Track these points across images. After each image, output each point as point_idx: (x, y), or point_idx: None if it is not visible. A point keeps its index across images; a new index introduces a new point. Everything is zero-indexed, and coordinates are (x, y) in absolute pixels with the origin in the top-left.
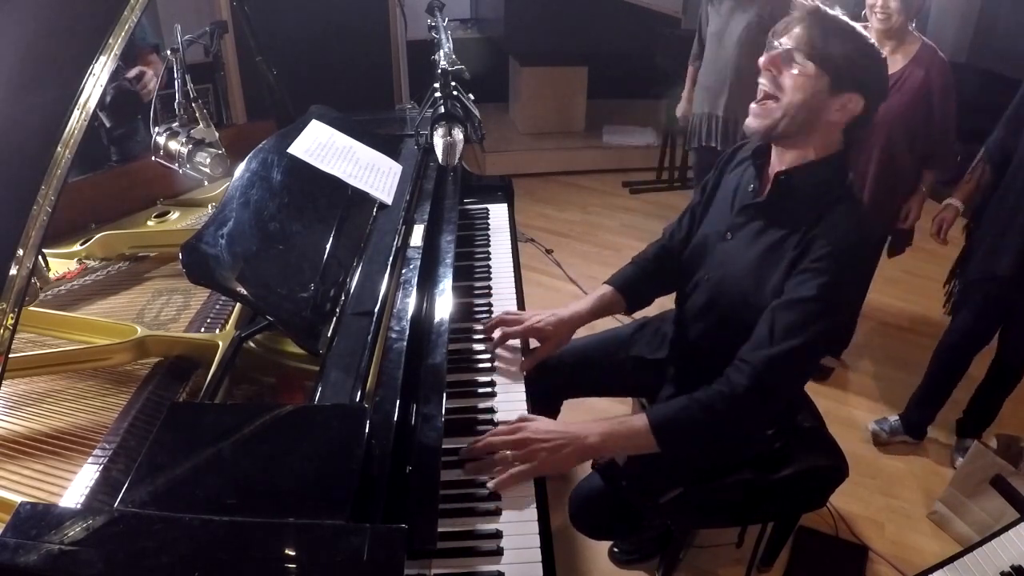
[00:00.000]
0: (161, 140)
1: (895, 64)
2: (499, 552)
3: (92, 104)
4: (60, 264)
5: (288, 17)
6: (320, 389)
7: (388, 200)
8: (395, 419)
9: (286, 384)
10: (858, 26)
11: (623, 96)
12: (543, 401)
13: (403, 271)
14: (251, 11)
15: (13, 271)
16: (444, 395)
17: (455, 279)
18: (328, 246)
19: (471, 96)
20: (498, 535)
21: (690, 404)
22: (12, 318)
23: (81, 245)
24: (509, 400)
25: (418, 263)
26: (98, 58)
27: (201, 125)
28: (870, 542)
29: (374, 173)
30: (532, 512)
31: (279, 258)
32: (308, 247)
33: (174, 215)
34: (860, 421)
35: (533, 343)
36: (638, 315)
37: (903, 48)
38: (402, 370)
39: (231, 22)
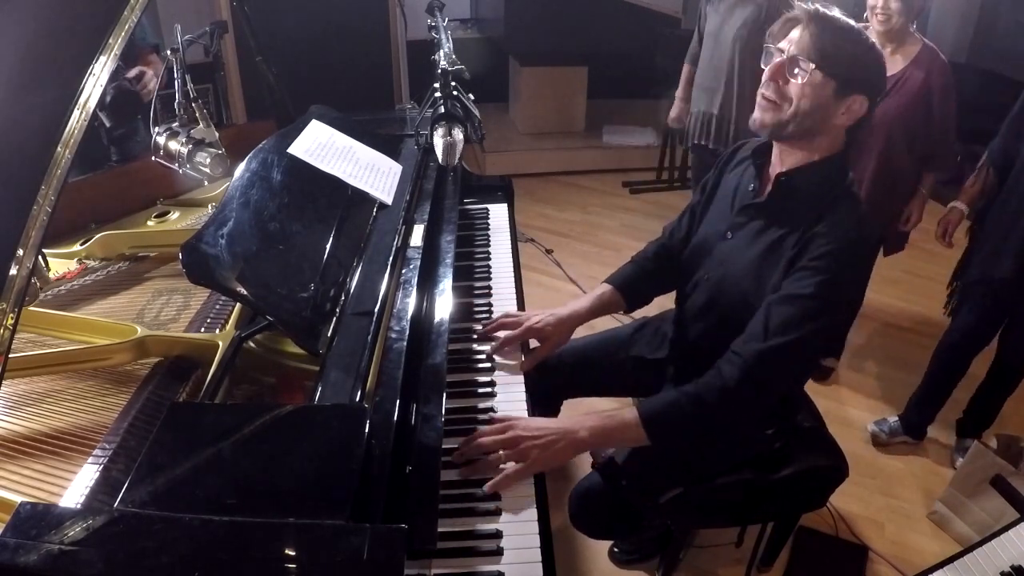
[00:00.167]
0: (161, 140)
1: (895, 65)
2: (499, 552)
3: (92, 104)
4: (60, 264)
5: (288, 17)
6: (320, 389)
7: (388, 200)
8: (395, 419)
9: (286, 384)
10: (855, 23)
11: (623, 96)
12: (543, 401)
13: (403, 271)
14: (251, 11)
15: (13, 271)
16: (444, 395)
17: (455, 279)
18: (328, 246)
19: (471, 96)
20: (498, 535)
21: (680, 397)
22: (12, 318)
23: (81, 245)
24: (509, 400)
25: (418, 263)
26: (98, 58)
27: (201, 125)
28: (870, 542)
29: (374, 173)
30: (532, 512)
31: (279, 258)
32: (308, 247)
33: (174, 215)
34: (860, 421)
35: (533, 343)
36: (638, 315)
37: (903, 50)
38: (402, 370)
39: (231, 22)
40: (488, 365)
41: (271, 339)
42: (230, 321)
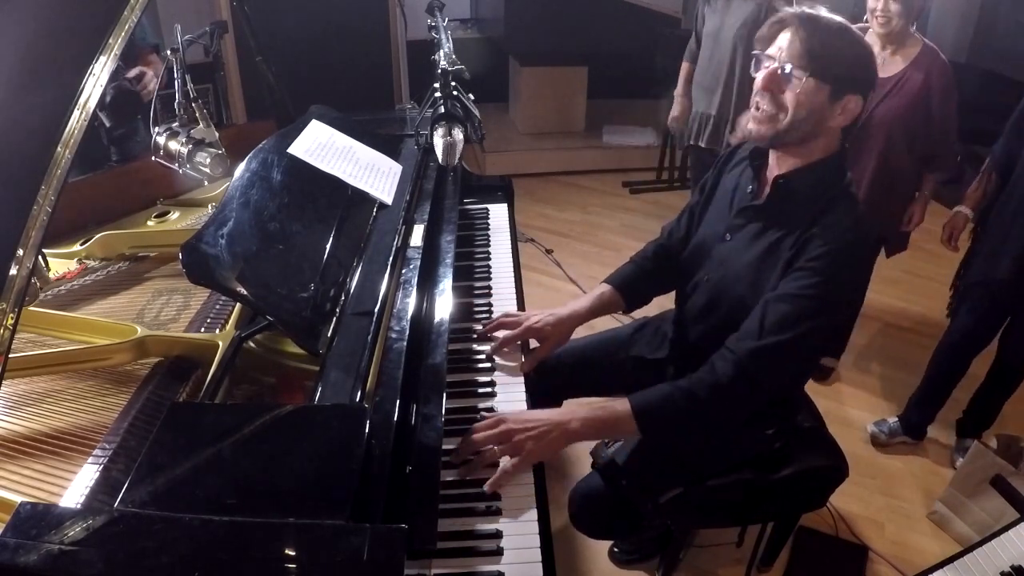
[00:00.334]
0: (161, 140)
1: (895, 66)
2: (499, 552)
3: (92, 104)
4: (60, 264)
5: (288, 17)
6: (320, 389)
7: (388, 200)
8: (395, 419)
9: (286, 384)
10: (841, 19)
11: (623, 96)
12: (543, 401)
13: (403, 271)
14: (251, 11)
15: (13, 271)
16: (444, 395)
17: (455, 279)
18: (328, 246)
19: (471, 96)
20: (498, 535)
21: (673, 391)
22: (12, 318)
23: (81, 245)
24: (509, 400)
25: (418, 263)
26: (98, 58)
27: (201, 125)
28: (870, 542)
29: (374, 173)
30: (532, 512)
31: (279, 258)
32: (308, 247)
33: (174, 215)
34: (860, 421)
35: (533, 343)
36: (638, 315)
37: (904, 50)
38: (402, 370)
39: (231, 22)
40: (488, 365)
41: (271, 339)
42: (230, 321)
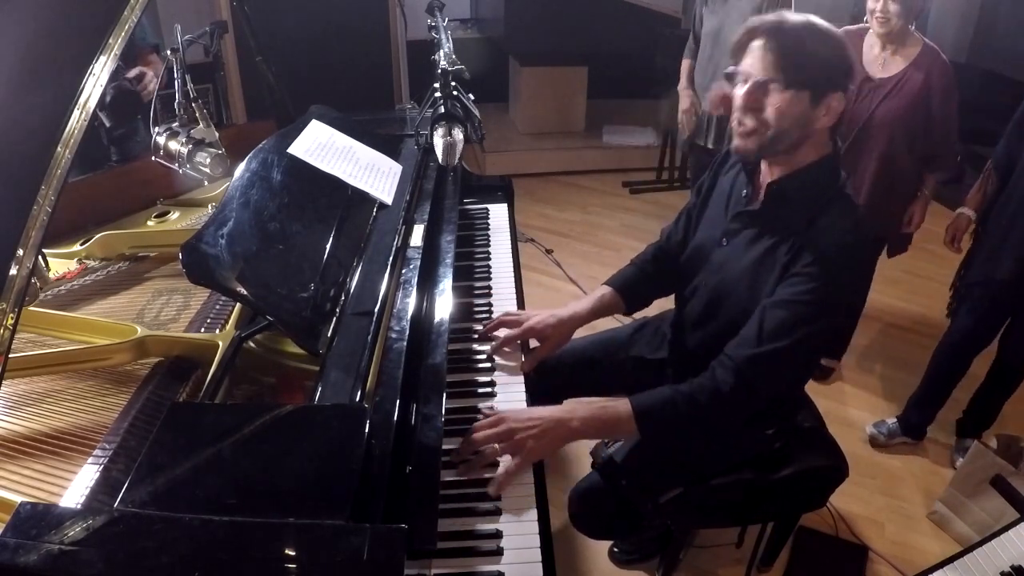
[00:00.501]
0: (161, 140)
1: (895, 66)
2: (499, 552)
3: (92, 104)
4: (60, 264)
5: (288, 17)
6: (320, 389)
7: (388, 200)
8: (395, 419)
9: (286, 384)
10: (806, 16)
11: (623, 96)
12: (543, 401)
13: (403, 271)
14: (251, 11)
15: (13, 271)
16: (444, 395)
17: (455, 279)
18: (328, 246)
19: (471, 96)
20: (498, 535)
21: (674, 395)
22: (12, 318)
23: (81, 245)
24: (509, 400)
25: (418, 263)
26: (98, 58)
27: (201, 125)
28: (870, 542)
29: (374, 173)
30: (532, 512)
31: (279, 258)
32: (308, 247)
33: (174, 215)
34: (860, 421)
35: (533, 343)
36: (638, 315)
37: (904, 51)
38: (402, 370)
39: (231, 22)
40: (488, 365)
41: (271, 339)
42: (230, 321)
